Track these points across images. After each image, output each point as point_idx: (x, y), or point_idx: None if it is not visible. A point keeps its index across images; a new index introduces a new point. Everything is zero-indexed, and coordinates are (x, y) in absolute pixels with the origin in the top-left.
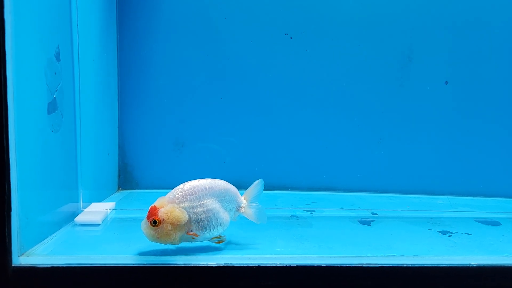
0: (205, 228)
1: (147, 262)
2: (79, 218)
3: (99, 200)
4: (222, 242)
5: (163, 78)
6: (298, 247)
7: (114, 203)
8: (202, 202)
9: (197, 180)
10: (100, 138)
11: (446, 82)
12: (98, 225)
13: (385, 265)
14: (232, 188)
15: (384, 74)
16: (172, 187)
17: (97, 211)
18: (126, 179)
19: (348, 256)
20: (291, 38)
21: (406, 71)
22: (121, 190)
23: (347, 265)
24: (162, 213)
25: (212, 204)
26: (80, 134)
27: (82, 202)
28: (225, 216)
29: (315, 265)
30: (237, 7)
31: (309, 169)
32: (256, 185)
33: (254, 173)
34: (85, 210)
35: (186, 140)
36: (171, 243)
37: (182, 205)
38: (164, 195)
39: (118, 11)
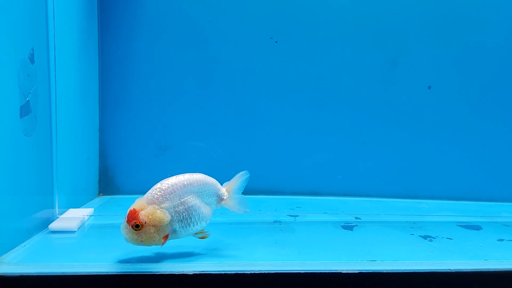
0: (188, 225)
1: (122, 270)
2: (54, 225)
3: (78, 206)
4: (205, 237)
5: (146, 81)
6: (279, 253)
7: (92, 209)
8: (183, 199)
9: (175, 177)
10: (79, 142)
11: (429, 87)
12: (73, 232)
13: (365, 271)
14: (211, 180)
15: (369, 78)
16: None
17: (73, 217)
18: (107, 184)
19: (327, 262)
20: (276, 42)
21: (391, 75)
22: (101, 195)
23: (326, 272)
24: (143, 216)
25: (192, 200)
26: (56, 138)
27: (58, 208)
28: (206, 210)
29: (293, 271)
30: (221, 10)
31: (294, 173)
32: (240, 177)
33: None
34: (61, 216)
35: (169, 144)
36: (155, 244)
37: (162, 206)
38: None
39: (100, 13)
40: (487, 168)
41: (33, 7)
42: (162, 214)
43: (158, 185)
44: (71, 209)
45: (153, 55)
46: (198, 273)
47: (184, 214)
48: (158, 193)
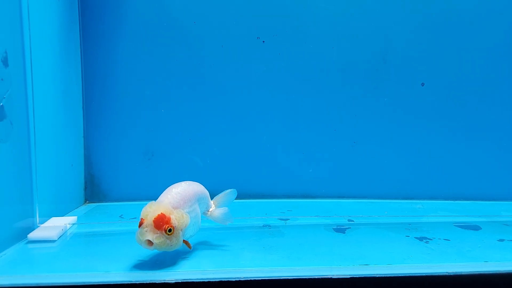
0: (192, 231)
1: (100, 280)
2: (33, 234)
3: (62, 214)
4: (190, 246)
5: (131, 85)
6: (266, 258)
7: (76, 217)
8: (193, 206)
9: (184, 183)
10: (61, 148)
11: (423, 84)
12: (54, 241)
13: (357, 276)
14: (206, 191)
15: (359, 76)
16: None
17: (54, 226)
18: (93, 191)
19: (317, 267)
20: (263, 42)
21: (381, 73)
22: (87, 203)
23: (316, 277)
24: (174, 220)
25: (197, 207)
26: (34, 145)
27: (40, 217)
28: (200, 219)
29: (280, 278)
30: (206, 10)
31: (286, 176)
32: (228, 193)
33: (228, 182)
34: (42, 225)
35: (156, 150)
36: (176, 248)
37: (185, 210)
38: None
39: (81, 16)
40: (485, 166)
41: (4, 9)
42: (187, 218)
43: (174, 189)
44: (53, 217)
45: (137, 58)
46: (180, 281)
47: (193, 220)
48: (179, 198)
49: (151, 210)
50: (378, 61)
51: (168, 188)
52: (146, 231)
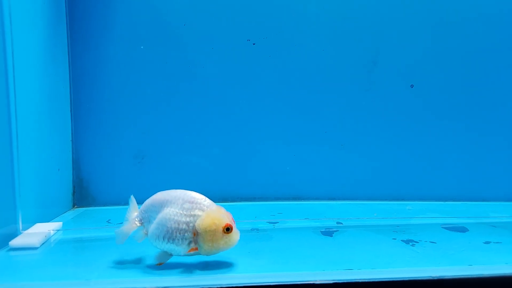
0: None
1: None
2: (15, 242)
3: (48, 219)
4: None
5: (120, 87)
6: (251, 263)
7: (61, 222)
8: None
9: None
10: (46, 152)
11: (412, 86)
12: (36, 248)
13: (340, 281)
14: None
15: (350, 79)
16: None
17: (37, 232)
18: (81, 195)
19: (300, 272)
20: (254, 44)
21: (372, 75)
22: (76, 207)
23: (299, 283)
24: None
25: None
26: (17, 149)
27: (24, 223)
28: None
29: (263, 284)
30: (196, 12)
31: (276, 179)
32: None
33: (218, 184)
34: (25, 232)
35: (146, 152)
36: None
37: None
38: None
39: (69, 17)
40: (475, 167)
41: None
42: None
43: (197, 194)
44: (38, 223)
45: (126, 60)
46: None
47: None
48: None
49: (225, 212)
50: (369, 63)
51: (181, 191)
52: (237, 231)
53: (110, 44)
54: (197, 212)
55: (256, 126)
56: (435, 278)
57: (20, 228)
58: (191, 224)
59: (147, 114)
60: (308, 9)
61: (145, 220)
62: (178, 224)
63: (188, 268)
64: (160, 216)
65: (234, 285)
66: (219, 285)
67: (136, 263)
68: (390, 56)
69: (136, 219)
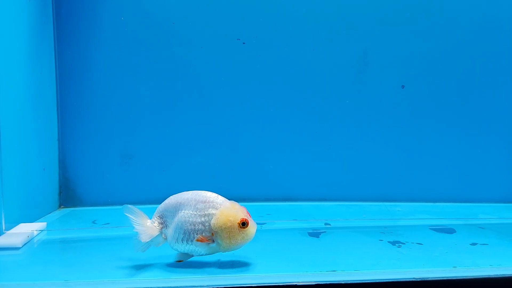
0: None
1: None
2: None
3: (33, 219)
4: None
5: (107, 86)
6: (233, 265)
7: (45, 223)
8: None
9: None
10: (31, 152)
11: (403, 86)
12: (18, 248)
13: (322, 283)
14: None
15: (341, 80)
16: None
17: (20, 233)
18: (68, 195)
19: (283, 274)
20: (244, 43)
21: (363, 76)
22: (62, 207)
23: (281, 284)
24: None
25: None
26: None
27: (7, 223)
28: None
29: (245, 285)
30: (185, 11)
31: (266, 179)
32: None
33: (207, 185)
34: (8, 232)
35: (134, 152)
36: None
37: None
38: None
39: (55, 16)
40: (465, 169)
41: None
42: None
43: (209, 193)
44: (21, 224)
45: (114, 59)
46: None
47: None
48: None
49: (239, 207)
50: (359, 63)
51: (193, 192)
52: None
53: (97, 43)
54: (211, 211)
55: (245, 126)
56: (418, 279)
57: (3, 228)
58: (206, 224)
59: (135, 114)
60: (298, 9)
61: (162, 225)
62: (194, 225)
63: (170, 269)
64: (176, 219)
65: (213, 286)
66: (199, 286)
67: (117, 264)
68: (381, 56)
69: (155, 224)
